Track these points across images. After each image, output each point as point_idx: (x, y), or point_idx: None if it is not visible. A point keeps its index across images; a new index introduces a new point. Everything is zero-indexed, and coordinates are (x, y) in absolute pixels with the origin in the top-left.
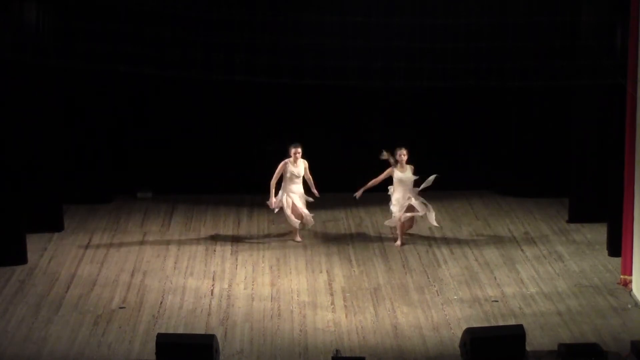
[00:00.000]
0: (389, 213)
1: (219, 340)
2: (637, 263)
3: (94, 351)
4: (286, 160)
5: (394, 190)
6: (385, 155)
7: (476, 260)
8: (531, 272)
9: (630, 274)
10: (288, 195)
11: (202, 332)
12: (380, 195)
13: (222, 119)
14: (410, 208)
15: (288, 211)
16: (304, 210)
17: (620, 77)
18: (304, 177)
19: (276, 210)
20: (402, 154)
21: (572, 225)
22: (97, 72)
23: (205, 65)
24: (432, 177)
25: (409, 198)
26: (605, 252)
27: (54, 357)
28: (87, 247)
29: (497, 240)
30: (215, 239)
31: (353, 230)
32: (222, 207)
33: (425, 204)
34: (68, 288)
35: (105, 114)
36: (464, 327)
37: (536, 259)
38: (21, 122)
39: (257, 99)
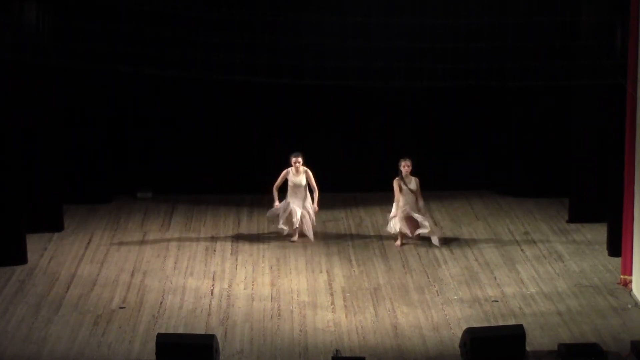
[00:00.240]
0: (389, 214)
1: (219, 340)
2: (637, 263)
3: (94, 351)
4: (288, 169)
5: (396, 200)
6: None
7: (476, 260)
8: (531, 272)
9: (630, 274)
10: (289, 203)
11: (202, 332)
12: (381, 195)
13: (222, 119)
14: (413, 220)
15: (283, 217)
16: (304, 225)
17: (620, 77)
18: (310, 186)
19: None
20: (406, 165)
21: (572, 225)
22: (97, 72)
23: (205, 65)
24: (435, 239)
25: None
26: (605, 252)
27: (54, 357)
28: (87, 247)
29: (497, 240)
30: (215, 239)
31: (353, 230)
32: (222, 207)
33: (426, 223)
34: (68, 288)
35: (105, 114)
36: (464, 327)
37: (536, 259)
38: (21, 122)
39: (257, 99)
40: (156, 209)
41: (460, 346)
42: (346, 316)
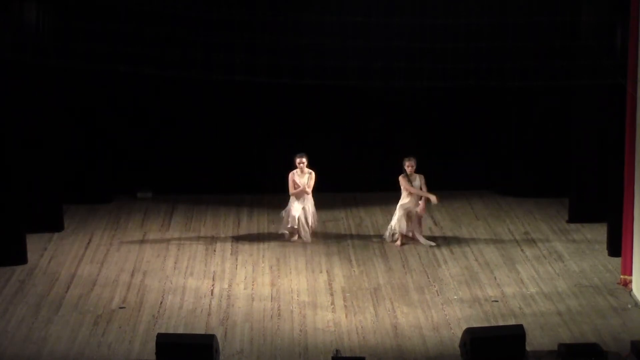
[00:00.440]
0: (389, 214)
1: (219, 340)
2: (637, 263)
3: (94, 351)
4: (293, 171)
5: (402, 198)
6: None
7: (476, 260)
8: (531, 272)
9: (630, 274)
10: (294, 205)
11: (202, 332)
12: (381, 195)
13: (222, 119)
14: (412, 220)
15: (286, 218)
16: (305, 226)
17: (620, 77)
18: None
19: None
20: (410, 166)
21: (572, 225)
22: (97, 72)
23: (205, 65)
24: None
25: (414, 206)
26: (605, 252)
27: (54, 357)
28: (87, 247)
29: (497, 240)
30: (215, 239)
31: (353, 230)
32: (222, 207)
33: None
34: (68, 288)
35: (105, 114)
36: (464, 327)
37: (536, 259)
38: (21, 122)
39: (257, 99)
40: (156, 209)
41: (460, 346)
42: (346, 316)
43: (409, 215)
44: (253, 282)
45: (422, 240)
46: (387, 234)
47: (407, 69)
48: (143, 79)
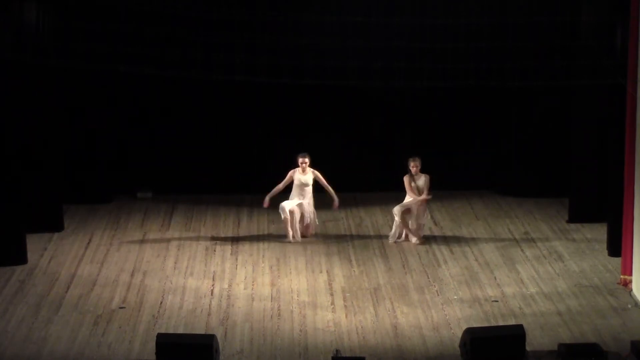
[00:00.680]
0: (389, 213)
1: (219, 340)
2: (637, 263)
3: (94, 351)
4: (295, 169)
5: (406, 197)
6: None
7: (476, 260)
8: (531, 272)
9: (630, 274)
10: (293, 204)
11: (202, 332)
12: (381, 195)
13: (222, 119)
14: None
15: (287, 220)
16: (307, 220)
17: (620, 77)
18: (319, 186)
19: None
20: (415, 166)
21: (572, 225)
22: (97, 72)
23: (205, 65)
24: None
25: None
26: (605, 252)
27: (54, 357)
28: (87, 247)
29: (497, 240)
30: (215, 239)
31: (353, 230)
32: (222, 207)
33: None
34: (68, 288)
35: (105, 114)
36: (464, 327)
37: (536, 259)
38: (21, 122)
39: (257, 99)
40: (156, 209)
41: (460, 346)
42: (346, 316)
43: (408, 209)
44: (253, 282)
45: (413, 239)
46: (391, 234)
47: (407, 69)
48: (143, 79)
